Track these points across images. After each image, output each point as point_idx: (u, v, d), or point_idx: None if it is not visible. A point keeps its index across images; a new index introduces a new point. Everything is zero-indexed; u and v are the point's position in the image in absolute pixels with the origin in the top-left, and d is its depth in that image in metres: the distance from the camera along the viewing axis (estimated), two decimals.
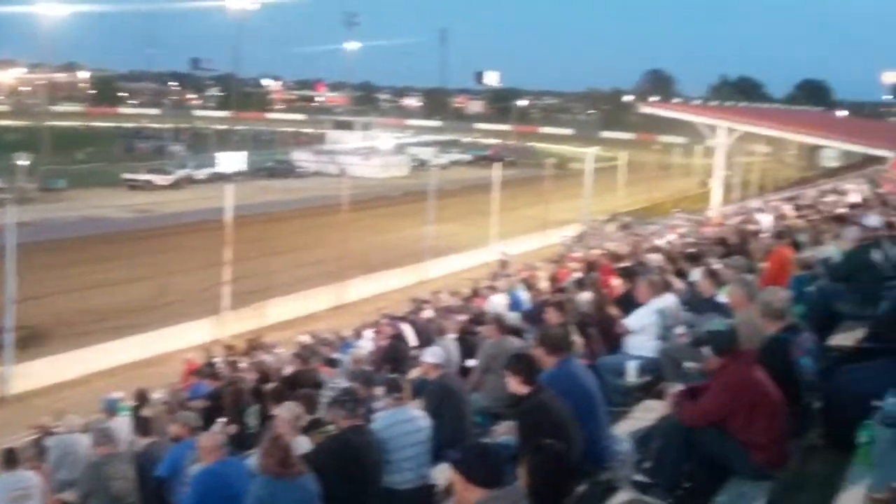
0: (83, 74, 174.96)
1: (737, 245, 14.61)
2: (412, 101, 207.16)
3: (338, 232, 36.54)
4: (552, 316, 9.83)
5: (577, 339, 9.35)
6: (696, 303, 10.89)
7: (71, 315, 29.48)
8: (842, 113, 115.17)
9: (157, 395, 16.25)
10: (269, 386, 12.62)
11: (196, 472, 7.70)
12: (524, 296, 18.51)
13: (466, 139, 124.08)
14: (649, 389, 9.39)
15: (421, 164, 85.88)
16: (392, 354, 15.43)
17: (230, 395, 11.81)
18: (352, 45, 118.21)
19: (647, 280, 10.80)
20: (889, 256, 10.26)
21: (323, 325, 27.82)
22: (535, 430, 5.78)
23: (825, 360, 7.65)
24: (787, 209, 21.01)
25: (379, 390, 9.38)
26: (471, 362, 10.43)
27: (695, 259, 13.03)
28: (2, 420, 20.64)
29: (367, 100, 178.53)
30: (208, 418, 12.33)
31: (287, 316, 31.61)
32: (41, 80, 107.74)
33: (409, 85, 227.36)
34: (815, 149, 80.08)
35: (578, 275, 18.41)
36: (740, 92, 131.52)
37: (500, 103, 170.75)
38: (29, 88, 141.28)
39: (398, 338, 16.43)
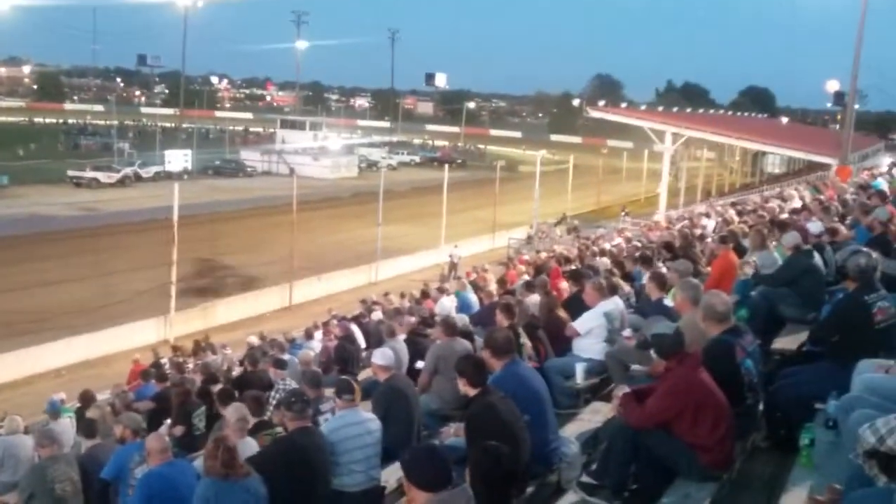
0: (26, 69, 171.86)
1: (682, 249, 14.78)
2: (362, 102, 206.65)
3: (287, 232, 36.35)
4: (500, 318, 9.88)
5: (525, 342, 9.44)
6: (643, 306, 11.03)
7: (12, 315, 28.95)
8: (785, 120, 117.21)
9: (102, 396, 16.06)
10: (217, 387, 12.52)
11: (142, 475, 7.63)
12: (473, 298, 18.58)
13: (416, 141, 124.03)
14: (597, 391, 9.50)
15: (370, 165, 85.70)
16: (341, 355, 15.42)
17: (177, 397, 11.70)
18: (301, 45, 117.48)
19: (595, 283, 10.90)
20: (830, 261, 10.48)
21: (271, 325, 27.75)
22: (483, 432, 5.80)
23: (768, 363, 7.80)
24: (732, 214, 21.31)
25: (328, 391, 9.37)
26: (420, 364, 10.45)
27: (645, 262, 13.16)
28: None
29: (316, 99, 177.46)
30: (155, 420, 12.25)
31: (235, 317, 31.44)
32: None
33: (359, 85, 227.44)
34: (758, 155, 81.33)
35: (527, 277, 18.54)
36: (686, 98, 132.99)
37: (450, 105, 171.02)
38: None
39: (347, 339, 16.44)
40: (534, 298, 12.38)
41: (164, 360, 20.45)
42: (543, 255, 26.16)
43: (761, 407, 6.85)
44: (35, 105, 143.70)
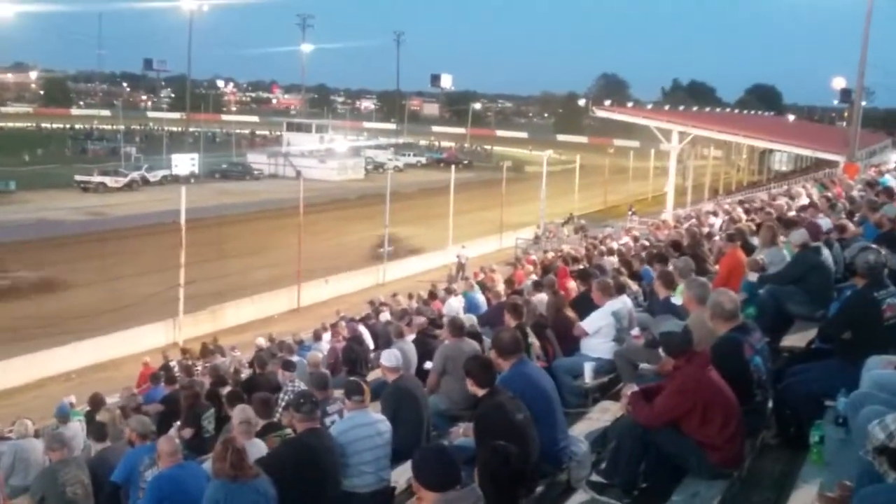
0: (32, 75, 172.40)
1: (690, 247, 14.76)
2: (367, 104, 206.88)
3: (294, 235, 36.40)
4: (508, 318, 9.88)
5: (534, 341, 9.43)
6: (652, 305, 11.02)
7: (21, 320, 29.07)
8: (791, 117, 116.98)
9: (112, 399, 16.09)
10: (226, 389, 12.54)
11: (152, 477, 7.65)
12: (480, 298, 18.58)
13: (422, 142, 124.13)
14: (606, 391, 9.48)
15: (377, 167, 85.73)
16: (349, 357, 15.43)
17: (186, 400, 11.70)
18: (306, 48, 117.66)
19: (601, 282, 10.89)
20: (838, 258, 10.46)
21: (280, 328, 27.82)
22: (492, 432, 5.81)
23: (776, 361, 7.79)
24: (739, 212, 21.27)
25: (337, 393, 9.38)
26: (429, 365, 10.45)
27: (660, 260, 13.15)
28: None
29: (321, 102, 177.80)
30: (164, 422, 12.26)
31: (244, 319, 31.50)
32: None
33: (365, 87, 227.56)
34: (765, 153, 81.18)
35: (535, 277, 18.53)
36: (692, 96, 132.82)
37: (456, 106, 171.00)
38: None
39: (355, 340, 16.44)
40: (542, 298, 12.38)
41: (173, 363, 20.49)
42: (551, 254, 26.15)
43: (770, 404, 6.84)
44: (42, 110, 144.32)
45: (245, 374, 16.96)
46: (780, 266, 10.39)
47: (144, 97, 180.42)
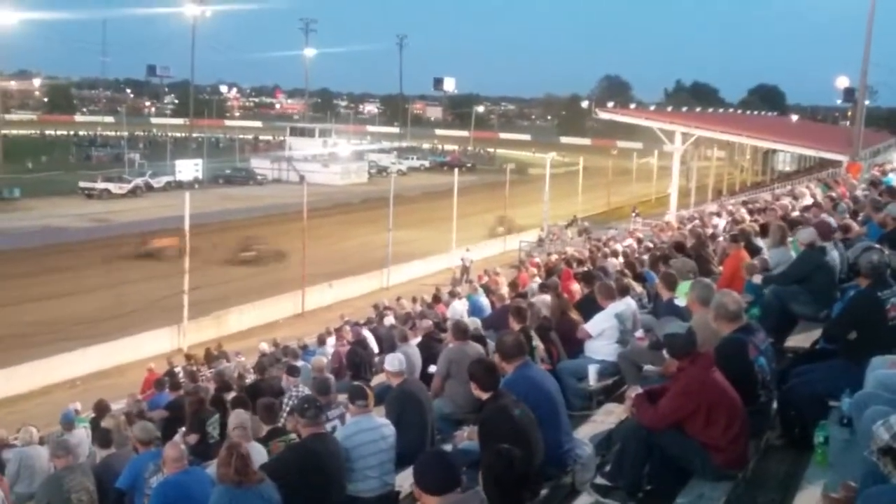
0: (36, 82, 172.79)
1: (695, 249, 14.75)
2: (371, 108, 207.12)
3: (298, 239, 36.41)
4: (512, 322, 9.87)
5: (538, 344, 9.43)
6: (655, 306, 11.01)
7: (26, 326, 29.11)
8: (795, 117, 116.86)
9: (116, 405, 16.10)
10: (230, 395, 12.55)
11: (157, 483, 7.65)
12: (484, 301, 18.58)
13: (425, 145, 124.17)
14: (610, 393, 9.48)
15: (380, 171, 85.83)
16: (353, 361, 15.43)
17: (191, 405, 11.72)
18: (309, 52, 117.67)
19: (603, 285, 10.89)
20: (842, 258, 10.44)
21: (284, 332, 27.83)
22: (496, 435, 5.80)
23: (781, 361, 7.78)
24: (743, 213, 21.25)
25: (342, 397, 9.39)
26: (433, 369, 10.45)
27: (664, 261, 13.15)
28: None
29: (325, 106, 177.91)
30: (169, 428, 12.27)
31: (248, 324, 31.50)
32: None
33: (368, 91, 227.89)
34: (769, 153, 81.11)
35: (539, 280, 18.53)
36: (695, 97, 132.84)
37: (459, 109, 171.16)
38: None
39: (360, 344, 16.44)
40: (545, 300, 12.37)
41: (178, 369, 20.49)
42: (555, 257, 26.13)
43: (775, 405, 6.83)
44: (46, 117, 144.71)
45: (250, 379, 16.97)
46: (785, 266, 10.40)
47: (148, 103, 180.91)
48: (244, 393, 12.51)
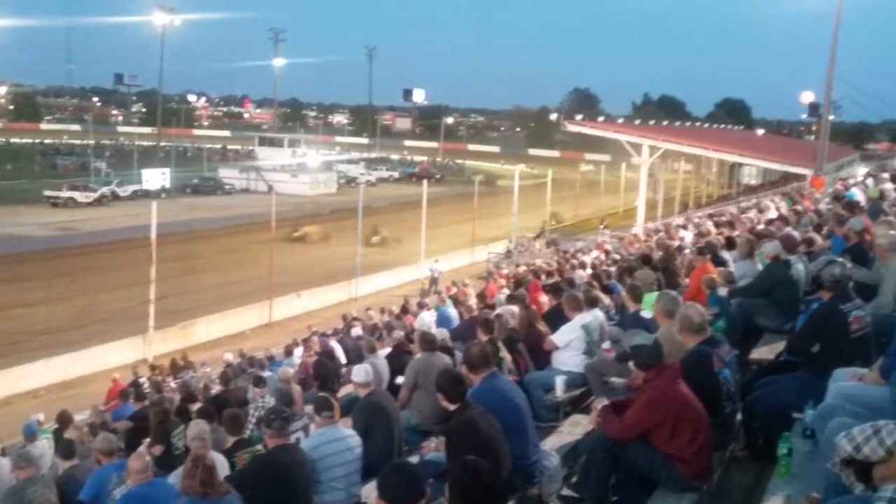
0: (1, 90, 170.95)
1: (663, 261, 14.86)
2: (340, 118, 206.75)
3: (266, 249, 36.23)
4: (479, 333, 9.88)
5: (505, 355, 9.44)
6: (622, 318, 11.07)
7: None
8: (760, 131, 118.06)
9: (80, 416, 15.94)
10: (196, 406, 12.46)
11: (121, 496, 7.57)
12: (453, 312, 18.59)
13: (394, 156, 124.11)
14: (577, 404, 9.51)
15: (349, 181, 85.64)
16: (319, 371, 15.38)
17: (156, 416, 11.60)
18: (278, 62, 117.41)
19: (570, 296, 10.93)
20: (807, 271, 10.55)
21: (251, 343, 27.66)
22: (463, 446, 5.80)
23: (745, 373, 7.84)
24: (709, 225, 21.43)
25: (308, 408, 9.35)
26: (401, 379, 10.43)
27: (630, 273, 13.23)
28: None
29: (294, 116, 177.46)
30: (133, 439, 12.16)
31: (215, 335, 31.26)
32: None
33: (337, 102, 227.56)
34: (735, 166, 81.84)
35: (507, 291, 18.57)
36: (663, 110, 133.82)
37: (428, 121, 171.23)
38: None
39: (327, 355, 16.39)
40: (513, 311, 12.40)
41: (143, 380, 20.31)
42: (523, 268, 26.20)
43: (739, 417, 6.88)
44: (11, 125, 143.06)
45: (215, 390, 16.86)
46: (751, 279, 10.51)
47: (115, 112, 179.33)
48: (209, 404, 12.42)
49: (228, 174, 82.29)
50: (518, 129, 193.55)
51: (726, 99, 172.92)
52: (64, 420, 14.38)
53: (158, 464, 9.55)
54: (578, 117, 75.32)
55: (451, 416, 6.42)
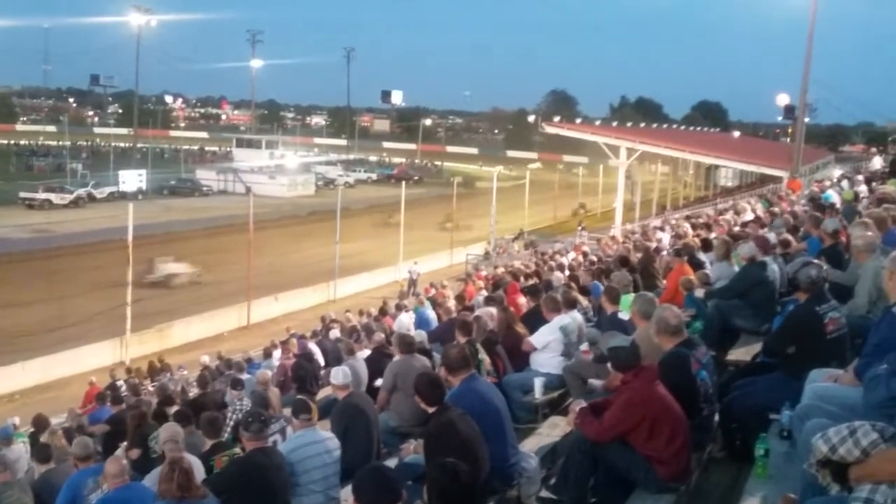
0: None
1: (642, 263, 14.93)
2: (318, 120, 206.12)
3: (243, 251, 36.10)
4: (458, 335, 9.89)
5: (484, 357, 9.45)
6: (600, 319, 11.11)
7: None
8: (737, 134, 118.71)
9: (56, 420, 15.82)
10: (173, 409, 12.39)
11: (97, 500, 7.52)
12: (431, 314, 18.58)
13: (373, 158, 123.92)
14: (555, 406, 9.52)
15: (327, 183, 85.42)
16: (298, 374, 15.33)
17: (133, 419, 11.53)
18: (256, 63, 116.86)
19: (548, 298, 10.95)
20: (782, 273, 10.62)
21: (229, 345, 27.57)
22: (442, 449, 5.80)
23: (722, 374, 7.88)
24: (686, 227, 21.54)
25: (286, 411, 9.32)
26: (380, 382, 10.42)
27: (608, 275, 13.29)
28: None
29: (271, 118, 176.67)
30: (110, 443, 12.08)
31: (192, 337, 31.14)
32: None
33: (315, 104, 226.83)
34: (711, 169, 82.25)
35: (485, 293, 18.58)
36: (640, 112, 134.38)
37: (406, 122, 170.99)
38: None
39: (305, 357, 16.34)
40: (492, 313, 12.40)
41: (120, 383, 20.20)
42: (501, 270, 26.23)
43: (717, 418, 6.91)
44: None
45: (193, 392, 16.78)
46: (727, 280, 10.57)
47: (91, 113, 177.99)
48: (187, 407, 12.35)
49: (206, 176, 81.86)
50: (496, 131, 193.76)
51: (703, 101, 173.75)
52: (40, 424, 14.27)
53: (136, 467, 9.50)
54: (556, 119, 75.30)
55: (430, 418, 6.42)
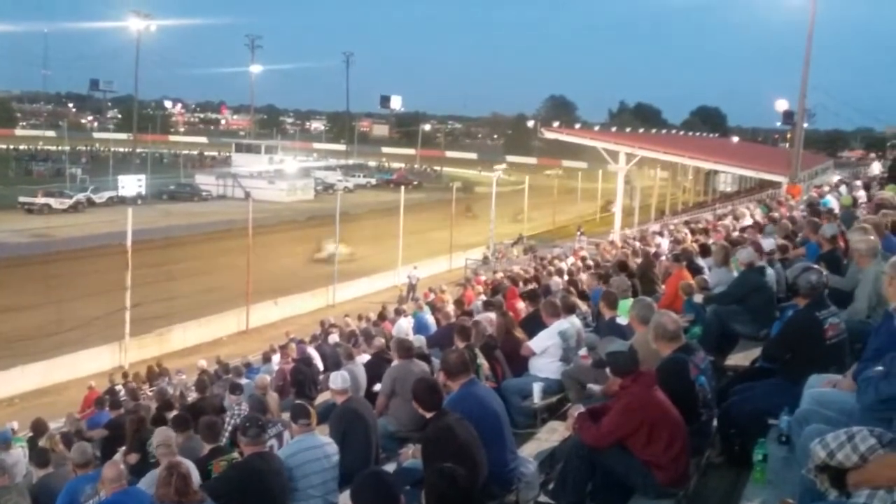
0: None
1: (641, 269, 14.93)
2: (317, 125, 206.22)
3: (243, 256, 36.09)
4: (457, 341, 9.89)
5: (482, 362, 9.44)
6: (598, 325, 11.10)
7: None
8: (735, 139, 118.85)
9: (55, 424, 15.82)
10: (172, 414, 12.38)
11: None
12: (430, 319, 18.58)
13: (372, 163, 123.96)
14: (554, 411, 9.51)
15: (326, 188, 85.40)
16: (297, 378, 15.34)
17: (131, 424, 11.53)
18: (255, 69, 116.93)
19: (547, 303, 10.95)
20: (779, 278, 10.63)
21: (228, 350, 27.55)
22: (440, 453, 5.80)
23: (720, 380, 7.88)
24: (685, 233, 21.54)
25: (285, 416, 9.31)
26: (378, 387, 10.41)
27: (606, 280, 13.28)
28: None
29: (271, 123, 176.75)
30: (108, 448, 12.07)
31: (191, 342, 31.12)
32: None
33: (314, 109, 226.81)
34: (710, 174, 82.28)
35: (484, 298, 18.58)
36: (639, 118, 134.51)
37: (405, 127, 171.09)
38: None
39: (303, 362, 16.34)
40: (490, 318, 12.40)
41: (119, 387, 20.18)
42: (500, 275, 26.23)
43: (715, 423, 6.91)
44: None
45: (192, 397, 16.77)
46: (726, 286, 10.58)
47: (90, 118, 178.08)
48: (185, 411, 12.34)
49: (205, 180, 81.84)
50: (495, 136, 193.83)
51: (702, 107, 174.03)
52: (39, 428, 14.26)
53: (134, 472, 9.50)
54: (555, 124, 75.32)
55: (428, 423, 6.42)
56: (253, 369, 18.86)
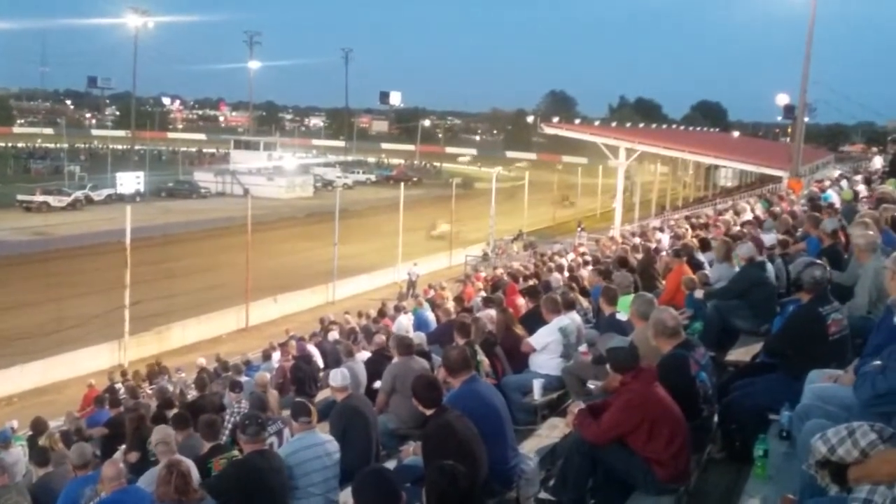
0: None
1: (642, 264, 14.90)
2: (316, 121, 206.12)
3: (242, 253, 36.06)
4: (457, 337, 9.87)
5: (483, 359, 9.43)
6: (598, 321, 11.08)
7: None
8: (736, 133, 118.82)
9: (55, 423, 15.80)
10: (172, 412, 12.36)
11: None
12: (430, 316, 18.57)
13: (371, 159, 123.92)
14: (554, 407, 9.50)
15: (326, 185, 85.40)
16: (297, 376, 15.32)
17: (131, 422, 11.51)
18: (254, 65, 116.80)
19: (547, 299, 10.93)
20: (781, 273, 10.61)
21: (228, 348, 27.53)
22: (440, 451, 5.79)
23: (721, 375, 7.86)
24: (685, 228, 21.52)
25: (285, 413, 9.29)
26: (379, 384, 10.40)
27: (606, 276, 13.25)
28: None
29: (269, 119, 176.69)
30: (108, 446, 12.05)
31: (191, 339, 31.10)
32: None
33: (313, 105, 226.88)
34: (711, 169, 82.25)
35: (484, 294, 18.57)
36: (639, 113, 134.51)
37: (405, 123, 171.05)
38: None
39: (303, 359, 16.32)
40: (490, 315, 12.38)
41: (119, 385, 20.17)
42: (500, 271, 26.21)
43: (716, 419, 6.89)
44: None
45: (192, 395, 16.76)
46: (727, 281, 10.56)
47: (89, 115, 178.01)
48: (185, 409, 12.33)
49: (204, 177, 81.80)
50: (495, 132, 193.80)
51: (702, 101, 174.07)
52: (38, 427, 14.23)
53: (135, 471, 9.49)
54: (555, 120, 75.29)
55: (428, 420, 6.40)
56: (253, 367, 18.84)
